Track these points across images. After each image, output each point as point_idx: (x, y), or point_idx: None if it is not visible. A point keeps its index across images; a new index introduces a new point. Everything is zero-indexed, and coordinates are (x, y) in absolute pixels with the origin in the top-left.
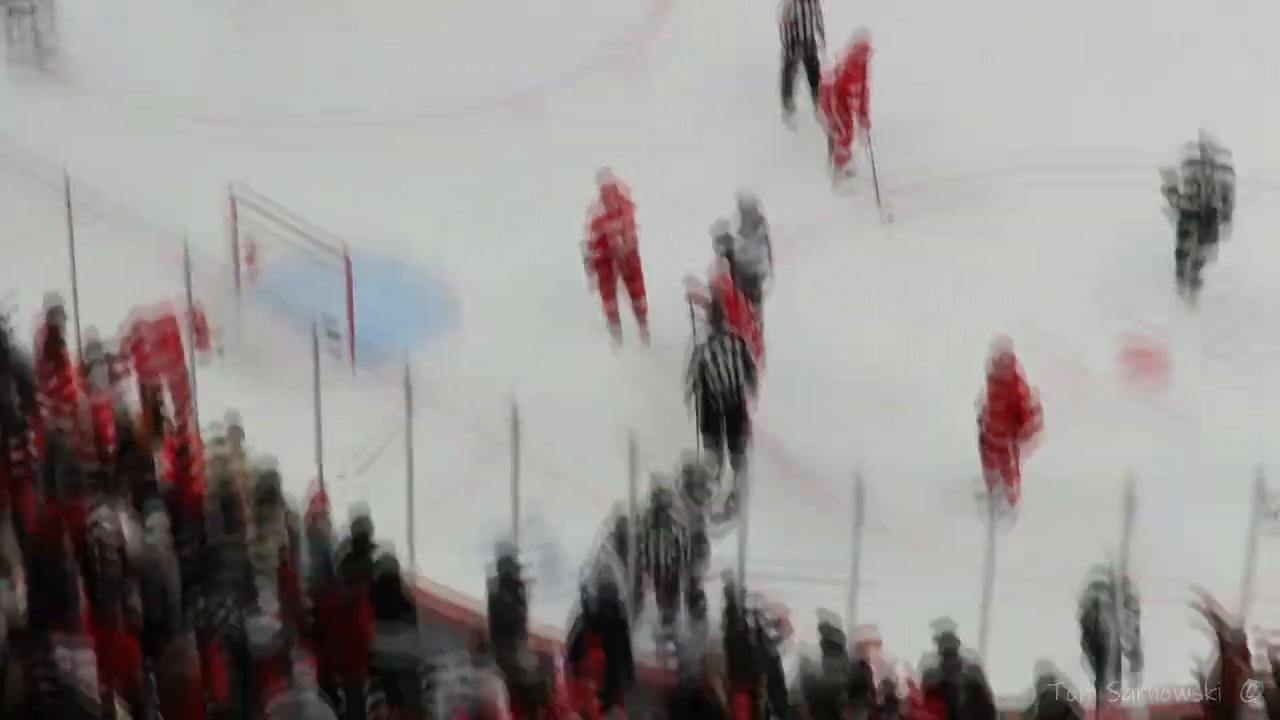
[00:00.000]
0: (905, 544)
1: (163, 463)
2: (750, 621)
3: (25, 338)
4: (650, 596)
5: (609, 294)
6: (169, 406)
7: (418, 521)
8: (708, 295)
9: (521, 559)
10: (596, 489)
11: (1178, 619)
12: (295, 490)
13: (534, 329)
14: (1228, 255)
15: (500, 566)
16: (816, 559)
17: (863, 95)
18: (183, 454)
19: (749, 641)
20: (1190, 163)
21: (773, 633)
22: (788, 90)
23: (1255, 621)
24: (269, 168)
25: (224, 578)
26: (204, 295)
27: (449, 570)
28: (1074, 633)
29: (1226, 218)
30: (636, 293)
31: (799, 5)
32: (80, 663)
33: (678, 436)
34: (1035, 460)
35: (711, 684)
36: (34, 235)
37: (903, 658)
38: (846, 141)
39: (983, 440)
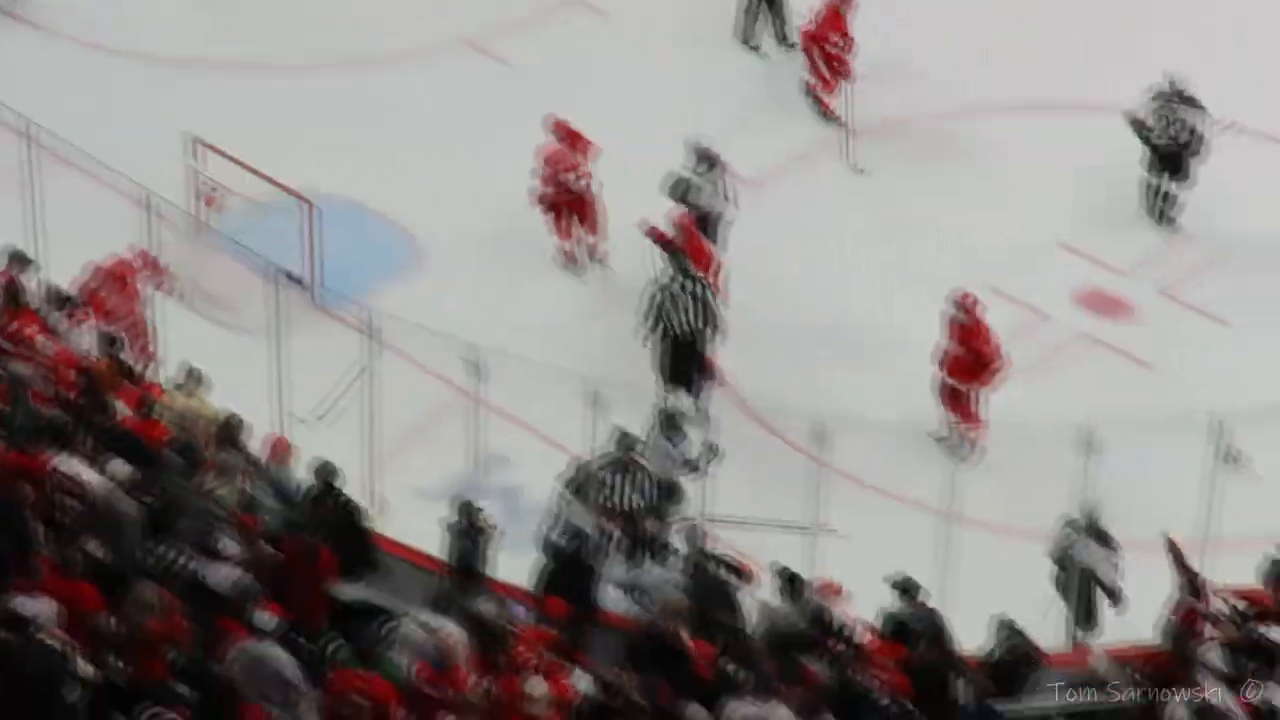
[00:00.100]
0: (867, 491)
1: (123, 409)
2: (712, 568)
3: None
4: (613, 543)
5: (562, 232)
6: (129, 353)
7: (379, 467)
8: (668, 234)
9: (482, 506)
10: (560, 436)
11: (1136, 562)
12: (256, 436)
13: (498, 274)
14: (1190, 199)
15: (461, 514)
16: (778, 506)
17: (843, 47)
18: (143, 400)
19: (711, 588)
20: (1158, 96)
21: (734, 580)
22: (749, 33)
23: (1214, 565)
24: (233, 113)
25: (184, 525)
26: (168, 240)
27: (410, 517)
28: (1036, 576)
29: (1196, 153)
30: (589, 231)
31: None
32: (40, 611)
33: (643, 382)
34: (996, 404)
35: (673, 631)
36: None
37: (864, 604)
38: (828, 88)
39: (943, 384)
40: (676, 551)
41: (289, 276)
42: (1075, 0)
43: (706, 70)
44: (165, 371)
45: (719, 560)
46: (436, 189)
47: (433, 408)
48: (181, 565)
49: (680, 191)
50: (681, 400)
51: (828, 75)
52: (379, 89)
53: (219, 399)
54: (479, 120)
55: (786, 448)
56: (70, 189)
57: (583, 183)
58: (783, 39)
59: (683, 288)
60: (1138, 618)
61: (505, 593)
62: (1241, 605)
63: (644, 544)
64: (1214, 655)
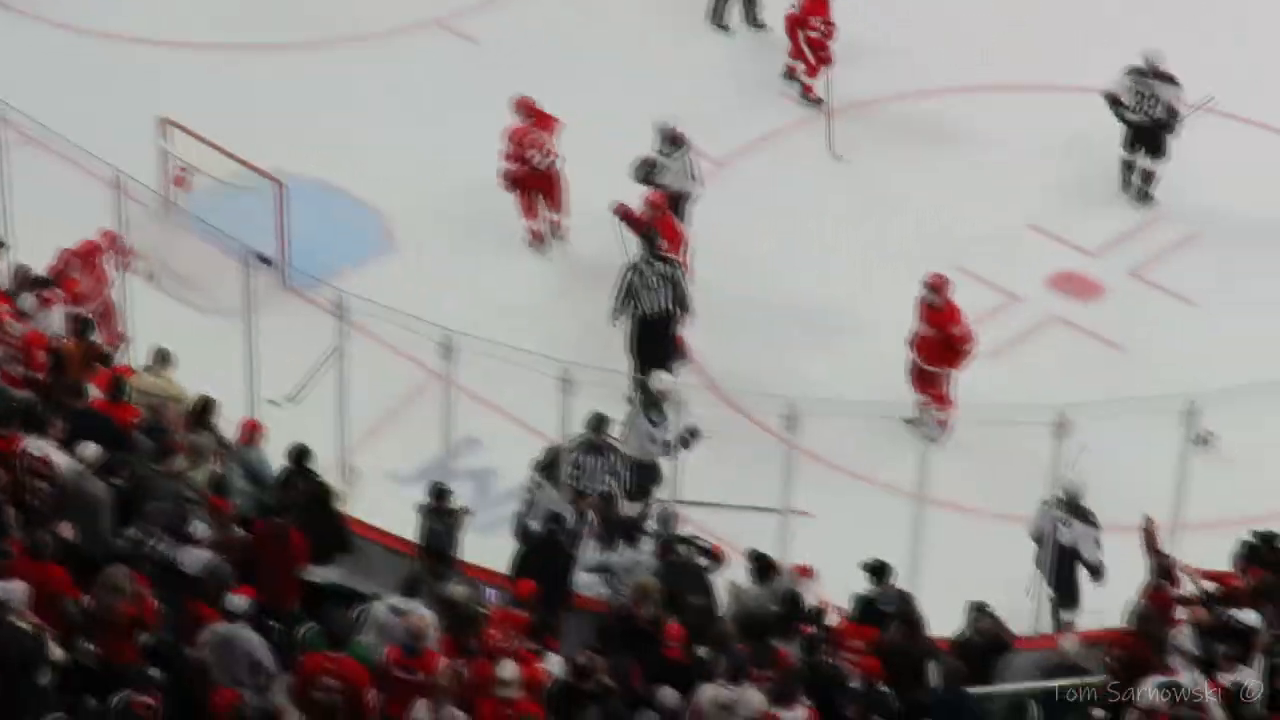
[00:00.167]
0: (837, 472)
1: (93, 390)
2: (683, 551)
3: None
4: (585, 526)
5: (529, 212)
6: (99, 334)
7: (350, 449)
8: (636, 213)
9: (454, 488)
10: (531, 417)
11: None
12: (227, 417)
13: (468, 254)
14: (1162, 178)
15: (432, 496)
16: (749, 488)
17: (824, 32)
18: (114, 382)
19: (682, 571)
20: (1132, 72)
21: (705, 562)
22: (719, 14)
23: (1185, 546)
24: (203, 94)
25: (155, 507)
26: (138, 221)
27: (381, 499)
28: (1007, 557)
29: (1171, 130)
30: (554, 208)
31: None
32: (10, 593)
33: (615, 363)
34: (967, 386)
35: (645, 613)
36: None
37: (835, 586)
38: (811, 72)
39: (914, 365)
40: (648, 534)
41: (259, 257)
42: None
43: (675, 50)
44: (136, 353)
45: (690, 543)
46: (404, 169)
47: (404, 390)
48: (153, 547)
49: (644, 173)
50: (665, 380)
51: (811, 59)
52: (347, 69)
53: (189, 380)
54: (447, 100)
55: (756, 429)
56: (40, 169)
57: (549, 160)
58: (752, 20)
59: (654, 268)
60: (1108, 601)
61: (476, 575)
62: (1212, 587)
63: (617, 526)
64: (1185, 638)
